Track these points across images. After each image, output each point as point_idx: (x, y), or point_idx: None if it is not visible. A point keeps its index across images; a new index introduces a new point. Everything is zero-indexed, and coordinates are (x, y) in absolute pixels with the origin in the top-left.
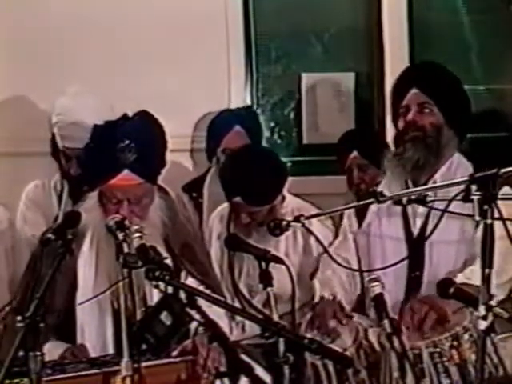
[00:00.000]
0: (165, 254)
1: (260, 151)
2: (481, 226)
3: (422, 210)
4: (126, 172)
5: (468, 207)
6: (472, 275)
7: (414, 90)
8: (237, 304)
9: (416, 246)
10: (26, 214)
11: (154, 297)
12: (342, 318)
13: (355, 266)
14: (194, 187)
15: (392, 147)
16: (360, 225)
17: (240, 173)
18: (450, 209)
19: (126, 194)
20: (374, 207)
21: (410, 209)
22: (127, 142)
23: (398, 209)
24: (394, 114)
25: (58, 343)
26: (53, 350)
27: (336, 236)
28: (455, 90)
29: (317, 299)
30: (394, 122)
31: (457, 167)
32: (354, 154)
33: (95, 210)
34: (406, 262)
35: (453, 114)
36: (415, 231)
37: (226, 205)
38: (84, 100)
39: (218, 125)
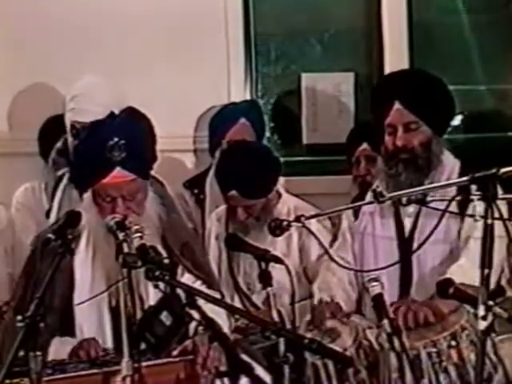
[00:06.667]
0: (161, 250)
1: (253, 145)
2: (465, 225)
3: (411, 209)
4: (117, 169)
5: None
6: (454, 273)
7: (397, 106)
8: (237, 301)
9: (407, 245)
10: (15, 218)
11: (151, 295)
12: (340, 318)
13: (355, 267)
14: (195, 184)
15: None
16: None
17: (234, 165)
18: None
19: (120, 191)
20: (366, 207)
21: (401, 208)
22: (116, 139)
23: (391, 208)
24: (377, 128)
25: (66, 339)
26: (60, 346)
27: (335, 236)
28: (439, 98)
29: (316, 302)
30: (382, 137)
31: (443, 168)
32: (364, 146)
33: (90, 209)
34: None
35: (440, 123)
36: (406, 230)
37: (223, 206)
38: (99, 82)
39: (223, 117)
